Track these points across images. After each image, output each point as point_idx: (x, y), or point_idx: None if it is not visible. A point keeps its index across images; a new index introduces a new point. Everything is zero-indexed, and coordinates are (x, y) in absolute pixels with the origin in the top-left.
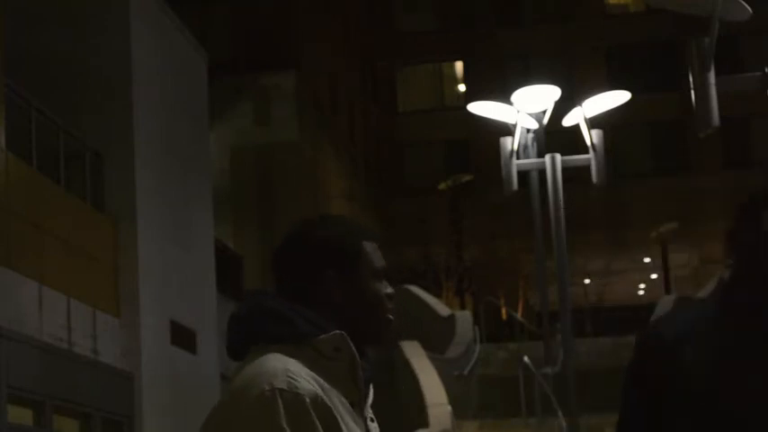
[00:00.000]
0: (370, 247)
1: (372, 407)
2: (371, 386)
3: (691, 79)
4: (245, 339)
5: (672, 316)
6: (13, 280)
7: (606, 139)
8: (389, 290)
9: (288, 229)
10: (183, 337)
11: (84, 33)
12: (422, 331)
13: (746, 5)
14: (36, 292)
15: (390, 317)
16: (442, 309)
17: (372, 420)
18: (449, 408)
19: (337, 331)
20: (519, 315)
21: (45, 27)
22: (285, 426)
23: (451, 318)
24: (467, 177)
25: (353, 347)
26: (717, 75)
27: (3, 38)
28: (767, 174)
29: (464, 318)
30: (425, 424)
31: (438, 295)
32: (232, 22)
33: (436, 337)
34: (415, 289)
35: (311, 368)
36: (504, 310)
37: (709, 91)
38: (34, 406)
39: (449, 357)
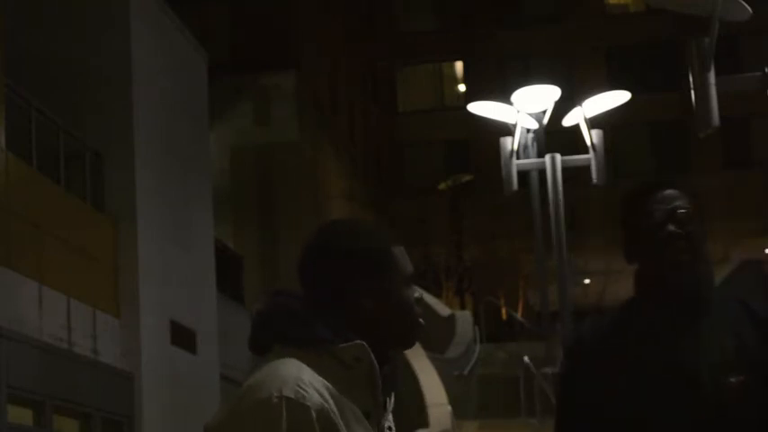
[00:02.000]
0: (399, 252)
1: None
2: (393, 395)
3: (691, 79)
4: (269, 338)
5: (590, 321)
6: (13, 280)
7: (606, 139)
8: (417, 294)
9: (312, 233)
10: (183, 337)
11: (84, 33)
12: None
13: (746, 5)
14: (36, 292)
15: (421, 320)
16: (442, 309)
17: (390, 429)
18: (449, 408)
19: (358, 341)
20: (519, 315)
21: (45, 27)
22: None
23: (451, 318)
24: (467, 177)
25: (373, 357)
26: (717, 75)
27: (3, 38)
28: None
29: (464, 318)
30: (425, 424)
31: (438, 295)
32: (232, 22)
33: (436, 337)
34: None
35: (327, 376)
36: (504, 310)
37: (709, 91)
38: (34, 406)
39: (449, 357)
